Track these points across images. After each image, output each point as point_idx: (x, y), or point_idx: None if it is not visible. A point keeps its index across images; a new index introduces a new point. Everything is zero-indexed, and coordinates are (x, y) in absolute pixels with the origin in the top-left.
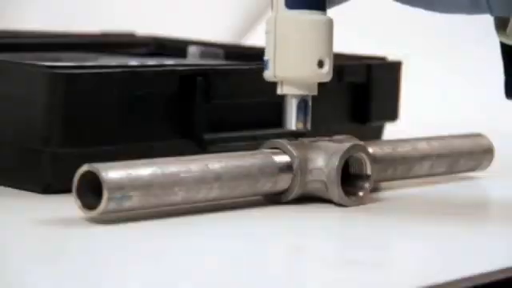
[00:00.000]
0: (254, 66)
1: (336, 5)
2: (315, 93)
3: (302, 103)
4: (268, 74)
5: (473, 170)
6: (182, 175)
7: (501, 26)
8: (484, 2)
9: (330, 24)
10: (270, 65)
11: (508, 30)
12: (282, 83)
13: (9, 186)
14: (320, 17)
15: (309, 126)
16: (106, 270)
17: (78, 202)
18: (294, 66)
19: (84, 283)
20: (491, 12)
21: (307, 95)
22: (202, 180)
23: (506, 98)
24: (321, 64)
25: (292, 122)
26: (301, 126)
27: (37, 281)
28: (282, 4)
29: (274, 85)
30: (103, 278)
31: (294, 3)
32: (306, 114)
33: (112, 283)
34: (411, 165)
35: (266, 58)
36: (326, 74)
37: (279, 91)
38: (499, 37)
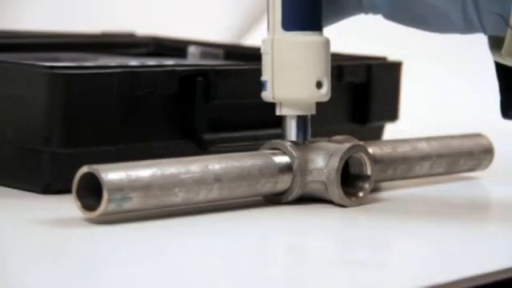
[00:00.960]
0: (254, 66)
1: (330, 24)
2: (313, 112)
3: (301, 122)
4: (266, 95)
5: (473, 170)
6: (182, 176)
7: (495, 45)
8: (477, 22)
9: (326, 44)
10: (269, 86)
11: (503, 50)
12: (280, 104)
13: (9, 186)
14: (317, 37)
15: (309, 138)
16: (106, 270)
17: (78, 204)
18: (293, 88)
19: (84, 283)
20: (484, 31)
21: (307, 115)
22: (201, 181)
23: (502, 118)
24: (319, 85)
25: (292, 138)
26: (301, 142)
27: (37, 281)
28: (279, 26)
29: None
30: (103, 278)
31: (291, 25)
32: (305, 132)
33: (112, 283)
34: (411, 165)
35: (263, 79)
36: (324, 94)
37: (278, 112)
38: (493, 57)
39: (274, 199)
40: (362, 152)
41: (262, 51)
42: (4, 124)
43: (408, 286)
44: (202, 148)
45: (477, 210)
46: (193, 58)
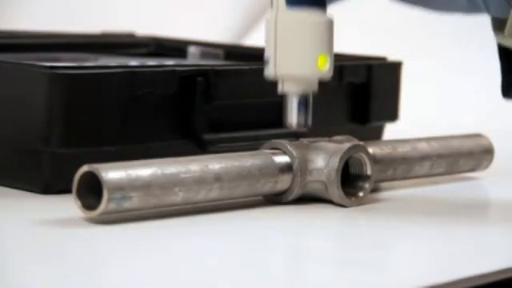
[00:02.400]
0: (254, 66)
1: (334, 2)
2: (315, 89)
3: (303, 100)
4: (269, 72)
5: (473, 170)
6: (182, 176)
7: (498, 27)
8: (481, 2)
9: (330, 22)
10: (271, 63)
11: (506, 31)
12: (282, 81)
13: (9, 186)
14: (320, 15)
15: (310, 122)
16: (106, 270)
17: (78, 203)
18: (295, 64)
19: (84, 283)
20: (488, 12)
21: (308, 92)
22: (201, 180)
23: (502, 98)
24: (321, 62)
25: (293, 118)
26: (302, 122)
27: (36, 281)
28: (283, 3)
29: (274, 85)
30: (103, 278)
31: (295, 2)
32: (306, 111)
33: (112, 283)
34: (411, 165)
35: (266, 55)
36: (326, 71)
37: (280, 89)
38: (496, 38)
39: (274, 199)
40: (362, 152)
41: (265, 28)
42: (4, 124)
43: (408, 286)
44: (202, 148)
45: (477, 210)
46: (193, 58)
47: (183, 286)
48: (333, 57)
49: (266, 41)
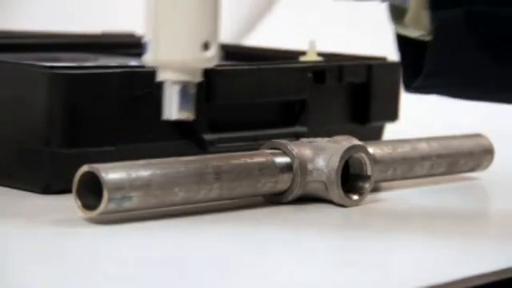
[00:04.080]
0: (254, 66)
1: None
2: (199, 79)
3: (185, 90)
4: (148, 58)
5: (473, 170)
6: (182, 176)
7: (395, 16)
8: None
9: (216, 2)
10: (151, 47)
11: (406, 19)
12: (162, 68)
13: (9, 186)
14: None
15: (193, 115)
16: (106, 270)
17: (78, 203)
18: (177, 49)
19: (84, 283)
20: None
21: (191, 82)
22: (201, 180)
23: (405, 91)
24: (206, 47)
25: (173, 110)
26: (185, 115)
27: (36, 281)
28: None
29: (274, 85)
30: (103, 278)
31: None
32: (189, 102)
33: (112, 283)
34: (411, 165)
35: (145, 39)
36: (211, 57)
37: (159, 77)
38: (395, 28)
39: (274, 199)
40: (362, 152)
41: (145, 9)
42: (4, 124)
43: (408, 286)
44: (202, 148)
45: (476, 210)
46: None
47: (183, 286)
48: (218, 41)
49: (146, 22)
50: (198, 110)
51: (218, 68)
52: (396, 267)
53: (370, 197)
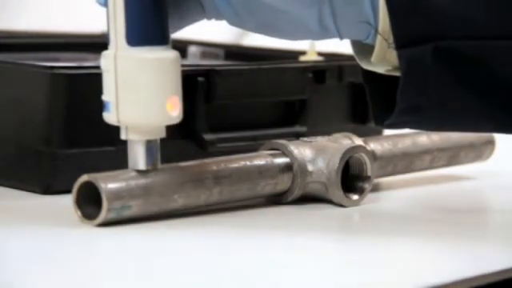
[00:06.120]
0: (253, 66)
1: (172, 32)
2: (163, 136)
3: (150, 147)
4: (110, 118)
5: (474, 161)
6: (181, 182)
7: (360, 51)
8: (332, 26)
9: (176, 60)
10: (112, 108)
11: (373, 57)
12: (126, 128)
13: (9, 186)
14: (166, 53)
15: (159, 165)
16: (106, 271)
17: (78, 213)
18: (141, 111)
19: (84, 283)
20: (340, 37)
21: (155, 138)
22: (201, 186)
23: (376, 125)
24: (170, 107)
25: (140, 164)
26: (149, 166)
27: (37, 281)
28: (123, 41)
29: (274, 85)
30: (103, 278)
31: (137, 40)
32: (154, 156)
33: (112, 283)
34: (412, 159)
35: (105, 99)
36: (176, 116)
37: (123, 136)
38: (361, 64)
39: (275, 199)
40: (362, 152)
41: (102, 67)
42: (4, 124)
43: (408, 286)
44: (202, 148)
45: (476, 210)
46: (193, 57)
47: (183, 287)
48: (181, 98)
49: (104, 82)
50: (198, 110)
51: (218, 68)
52: (396, 267)
53: (369, 197)
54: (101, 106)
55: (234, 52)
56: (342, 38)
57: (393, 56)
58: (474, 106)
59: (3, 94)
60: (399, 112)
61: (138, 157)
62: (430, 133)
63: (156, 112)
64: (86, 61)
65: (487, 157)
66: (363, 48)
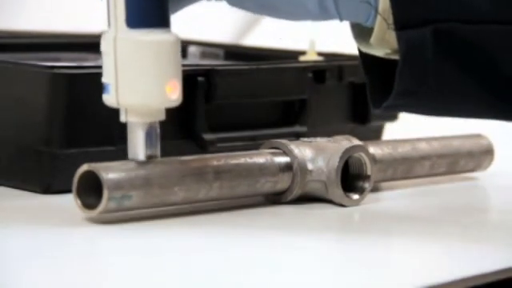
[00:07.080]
0: (254, 66)
1: (172, 13)
2: (163, 118)
3: (150, 130)
4: (110, 100)
5: (473, 170)
6: (182, 175)
7: (359, 35)
8: (333, 7)
9: (176, 43)
10: (112, 90)
11: (372, 38)
12: (126, 110)
13: (9, 186)
14: (166, 36)
15: (159, 153)
16: (106, 270)
17: (78, 202)
18: (140, 93)
19: (84, 283)
20: (340, 18)
21: (155, 122)
22: (201, 180)
23: (373, 109)
24: (169, 89)
25: (140, 151)
26: (150, 154)
27: (37, 281)
28: (123, 23)
29: (274, 85)
30: (103, 278)
31: (137, 22)
32: (155, 142)
33: (112, 283)
34: (411, 165)
35: (105, 81)
36: (175, 99)
37: (123, 119)
38: (360, 47)
39: (274, 198)
40: (362, 152)
41: (101, 50)
42: (5, 124)
43: (408, 285)
44: (202, 148)
45: (476, 210)
46: (193, 57)
47: (183, 286)
48: (181, 81)
49: (104, 65)
50: (198, 110)
51: (218, 68)
52: (396, 267)
53: (369, 197)
54: (101, 106)
55: (233, 52)
56: (341, 19)
57: (392, 37)
58: (472, 91)
59: (3, 94)
60: (397, 94)
61: (137, 143)
62: (430, 139)
63: (155, 94)
64: (86, 61)
65: (486, 166)
66: (362, 31)
